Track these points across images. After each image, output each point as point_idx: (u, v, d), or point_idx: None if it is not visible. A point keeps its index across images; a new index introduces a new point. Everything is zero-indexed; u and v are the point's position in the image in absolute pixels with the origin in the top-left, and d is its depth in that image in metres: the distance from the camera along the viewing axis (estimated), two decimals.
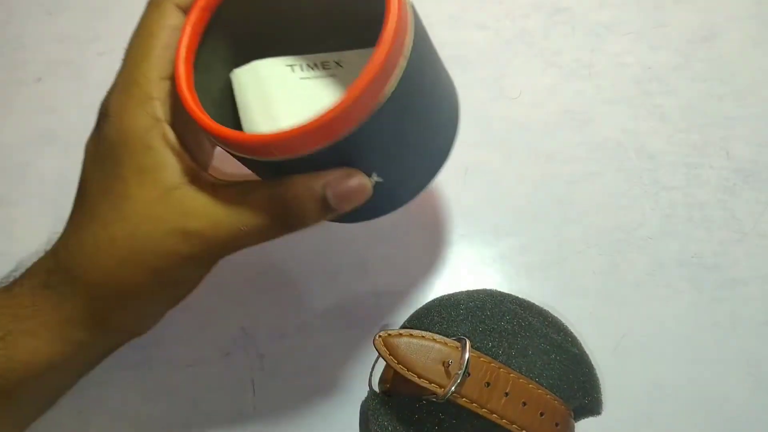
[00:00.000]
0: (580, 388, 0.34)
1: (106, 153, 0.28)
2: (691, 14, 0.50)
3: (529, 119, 0.47)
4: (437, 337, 0.31)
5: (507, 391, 0.31)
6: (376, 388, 0.36)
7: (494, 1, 0.53)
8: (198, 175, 0.27)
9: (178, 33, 0.28)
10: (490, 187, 0.44)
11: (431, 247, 0.43)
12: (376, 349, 0.31)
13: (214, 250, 0.27)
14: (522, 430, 0.31)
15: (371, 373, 0.37)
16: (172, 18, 0.28)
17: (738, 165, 0.44)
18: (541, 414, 0.31)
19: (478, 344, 0.32)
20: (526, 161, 0.45)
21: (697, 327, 0.40)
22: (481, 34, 0.51)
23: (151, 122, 0.27)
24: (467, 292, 0.37)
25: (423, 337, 0.31)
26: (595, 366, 0.36)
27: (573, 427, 0.34)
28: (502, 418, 0.30)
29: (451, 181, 0.45)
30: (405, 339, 0.30)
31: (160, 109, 0.27)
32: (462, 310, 0.34)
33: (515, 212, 0.44)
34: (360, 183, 0.26)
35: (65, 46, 0.52)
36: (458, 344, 0.31)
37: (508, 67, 0.50)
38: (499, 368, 0.31)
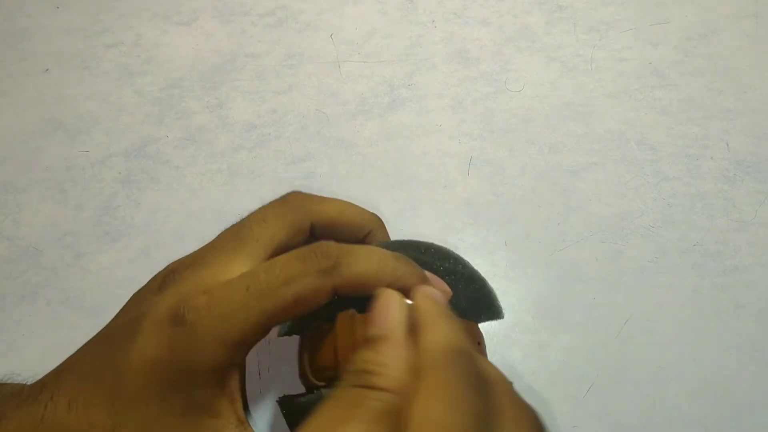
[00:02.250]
0: (483, 302, 0.33)
1: (163, 364, 0.25)
2: (691, 11, 0.51)
3: (532, 111, 0.48)
4: None
5: None
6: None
7: None
8: (243, 424, 0.25)
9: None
10: (494, 176, 0.45)
11: (436, 234, 0.43)
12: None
13: None
14: None
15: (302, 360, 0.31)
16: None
17: (738, 157, 0.45)
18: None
19: None
20: (528, 152, 0.46)
21: (700, 313, 0.40)
22: (484, 30, 0.52)
23: (229, 364, 0.25)
24: None
25: None
26: (486, 280, 0.35)
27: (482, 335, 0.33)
28: None
29: (456, 172, 0.45)
30: None
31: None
32: None
33: (518, 201, 0.44)
34: None
35: (73, 37, 0.53)
36: None
37: (511, 62, 0.50)
38: None
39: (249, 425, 0.26)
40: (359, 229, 0.32)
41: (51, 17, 0.54)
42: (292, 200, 0.30)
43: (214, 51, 0.52)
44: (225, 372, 0.25)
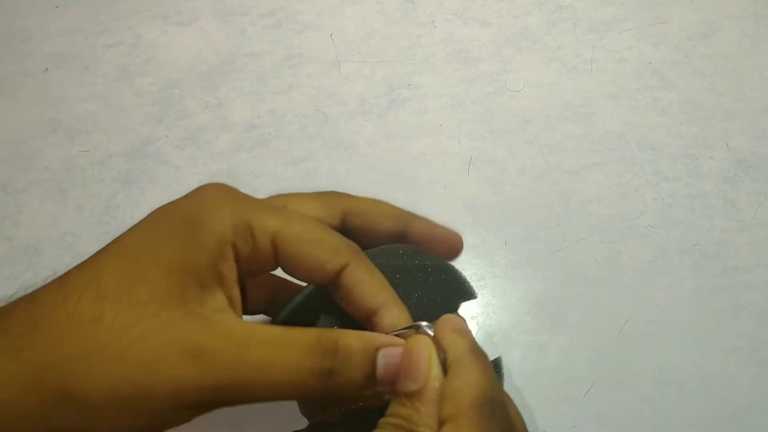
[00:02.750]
0: (456, 289, 0.33)
1: (168, 217, 0.25)
2: (691, 11, 0.51)
3: (532, 112, 0.48)
4: None
5: None
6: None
7: None
8: (230, 310, 0.24)
9: None
10: (494, 177, 0.45)
11: None
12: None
13: (223, 383, 0.22)
14: None
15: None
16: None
17: (738, 157, 0.45)
18: None
19: None
20: (528, 152, 0.46)
21: (699, 313, 0.40)
22: (484, 31, 0.52)
23: (230, 234, 0.24)
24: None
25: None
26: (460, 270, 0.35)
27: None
28: None
29: (456, 172, 0.45)
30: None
31: (243, 236, 0.25)
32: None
33: (518, 201, 0.44)
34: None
35: (72, 38, 0.53)
36: None
37: (511, 62, 0.50)
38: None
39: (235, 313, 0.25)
40: (390, 225, 0.31)
41: (50, 17, 0.54)
42: (324, 193, 0.30)
43: (213, 51, 0.52)
44: (226, 246, 0.24)
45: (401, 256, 0.31)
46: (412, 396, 0.23)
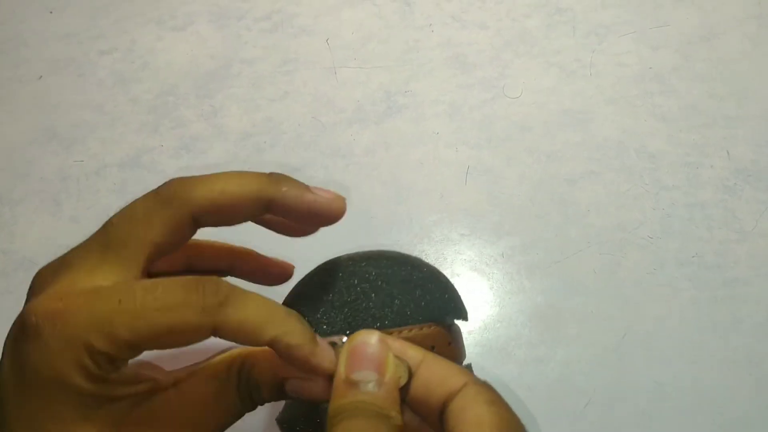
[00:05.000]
0: (444, 305, 0.33)
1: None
2: (692, 14, 0.51)
3: (530, 119, 0.47)
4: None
5: None
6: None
7: (495, 0, 0.53)
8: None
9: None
10: (491, 186, 0.45)
11: (433, 245, 0.43)
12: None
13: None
14: None
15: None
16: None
17: (739, 165, 0.44)
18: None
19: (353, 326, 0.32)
20: (526, 161, 0.45)
21: (698, 326, 0.40)
22: (482, 34, 0.52)
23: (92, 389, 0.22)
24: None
25: None
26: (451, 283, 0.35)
27: (453, 335, 0.33)
28: None
29: (452, 181, 0.45)
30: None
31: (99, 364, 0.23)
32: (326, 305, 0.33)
33: (516, 211, 0.44)
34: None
35: (67, 44, 0.53)
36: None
37: (509, 67, 0.50)
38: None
39: None
40: (247, 206, 0.26)
41: (45, 23, 0.54)
42: (166, 191, 0.25)
43: (208, 56, 0.52)
44: (88, 399, 0.22)
45: (386, 263, 0.31)
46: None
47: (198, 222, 0.25)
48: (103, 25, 0.54)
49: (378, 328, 0.28)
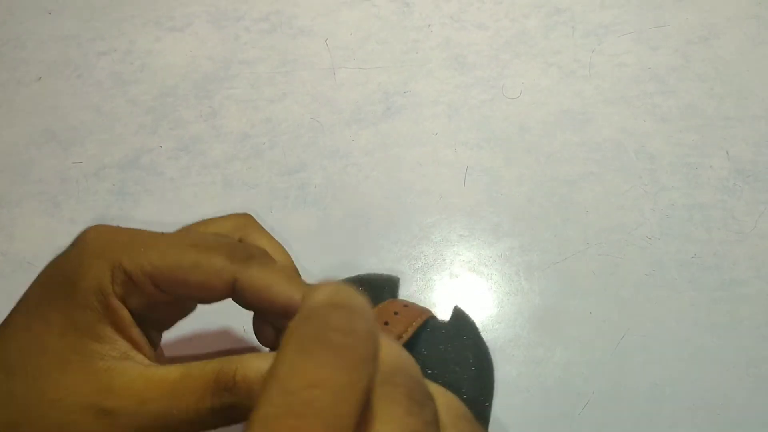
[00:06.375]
0: (477, 398, 0.34)
1: (52, 278, 0.26)
2: (691, 14, 0.50)
3: (529, 119, 0.47)
4: None
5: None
6: None
7: (494, 1, 0.53)
8: (132, 353, 0.25)
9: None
10: (490, 187, 0.44)
11: (432, 247, 0.43)
12: None
13: None
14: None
15: None
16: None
17: (738, 165, 0.44)
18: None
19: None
20: (525, 161, 0.45)
21: (697, 327, 0.40)
22: (481, 34, 0.52)
23: (108, 286, 0.25)
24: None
25: None
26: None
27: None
28: None
29: (450, 181, 0.45)
30: None
31: (120, 280, 0.25)
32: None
33: (515, 212, 0.44)
34: None
35: (66, 45, 0.53)
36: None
37: (508, 67, 0.50)
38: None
39: (139, 354, 0.25)
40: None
41: (43, 24, 0.54)
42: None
43: (207, 58, 0.51)
44: (108, 297, 0.24)
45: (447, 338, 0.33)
46: None
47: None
48: (101, 26, 0.54)
49: None
